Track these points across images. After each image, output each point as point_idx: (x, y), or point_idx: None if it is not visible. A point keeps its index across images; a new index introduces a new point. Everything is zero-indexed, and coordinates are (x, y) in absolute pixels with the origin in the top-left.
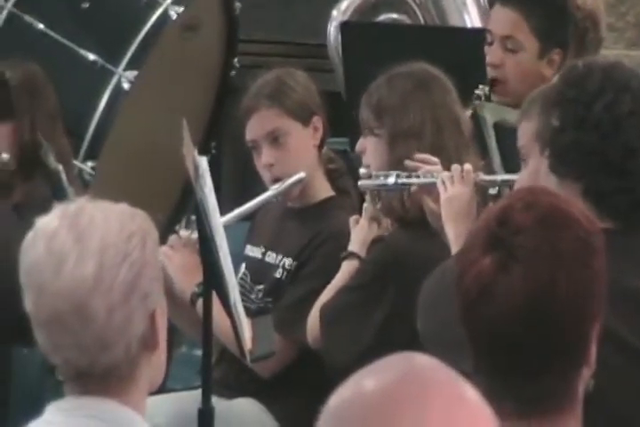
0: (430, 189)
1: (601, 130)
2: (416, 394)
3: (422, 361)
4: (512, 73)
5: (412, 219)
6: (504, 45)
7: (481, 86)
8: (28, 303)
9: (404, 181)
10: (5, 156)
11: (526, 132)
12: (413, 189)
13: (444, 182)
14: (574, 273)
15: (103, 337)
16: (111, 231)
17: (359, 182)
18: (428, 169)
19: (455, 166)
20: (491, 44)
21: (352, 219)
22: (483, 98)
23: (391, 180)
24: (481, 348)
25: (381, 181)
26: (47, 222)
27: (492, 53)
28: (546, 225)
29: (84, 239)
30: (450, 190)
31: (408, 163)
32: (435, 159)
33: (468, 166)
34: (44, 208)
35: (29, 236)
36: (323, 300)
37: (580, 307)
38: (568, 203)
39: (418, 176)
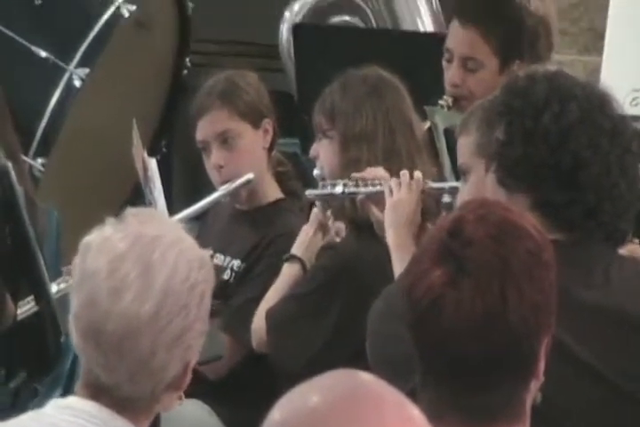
0: (377, 198)
1: (550, 142)
2: (371, 413)
3: (367, 379)
4: (474, 91)
5: (363, 222)
6: (464, 65)
7: (445, 97)
8: (74, 306)
9: (352, 190)
10: None
11: (466, 148)
12: (360, 197)
13: (391, 189)
14: (524, 287)
15: (135, 374)
16: (177, 277)
17: (306, 192)
18: (375, 176)
19: (403, 172)
20: (449, 61)
21: (303, 227)
22: (445, 109)
23: (339, 189)
24: (429, 360)
25: (328, 190)
26: (117, 240)
27: (452, 73)
28: (497, 238)
29: (149, 276)
30: (395, 196)
31: (354, 175)
32: (382, 171)
33: (417, 174)
34: None
35: (94, 240)
36: (266, 305)
37: (530, 321)
38: (520, 216)
39: (366, 185)
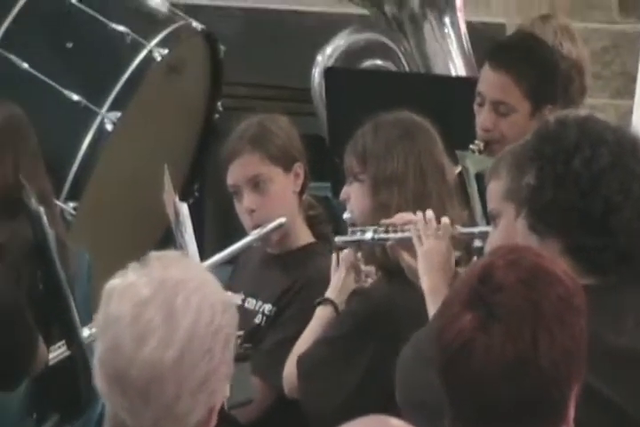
0: (407, 244)
1: (581, 186)
2: None
3: (398, 425)
4: (506, 135)
5: (394, 267)
6: (496, 109)
7: (476, 142)
8: (98, 351)
9: (381, 236)
10: None
11: (496, 192)
12: (389, 243)
13: (419, 237)
14: (555, 333)
15: (160, 419)
16: (201, 321)
17: (335, 238)
18: (405, 221)
19: (430, 218)
20: (481, 104)
21: (333, 268)
22: (477, 153)
23: (368, 235)
24: (458, 405)
25: (358, 236)
26: (141, 285)
27: (484, 117)
28: (528, 284)
29: (173, 321)
30: (426, 244)
31: (384, 221)
32: (412, 215)
33: (445, 220)
34: (24, 249)
35: (117, 285)
36: (299, 349)
37: (561, 366)
38: (551, 262)
39: (395, 231)
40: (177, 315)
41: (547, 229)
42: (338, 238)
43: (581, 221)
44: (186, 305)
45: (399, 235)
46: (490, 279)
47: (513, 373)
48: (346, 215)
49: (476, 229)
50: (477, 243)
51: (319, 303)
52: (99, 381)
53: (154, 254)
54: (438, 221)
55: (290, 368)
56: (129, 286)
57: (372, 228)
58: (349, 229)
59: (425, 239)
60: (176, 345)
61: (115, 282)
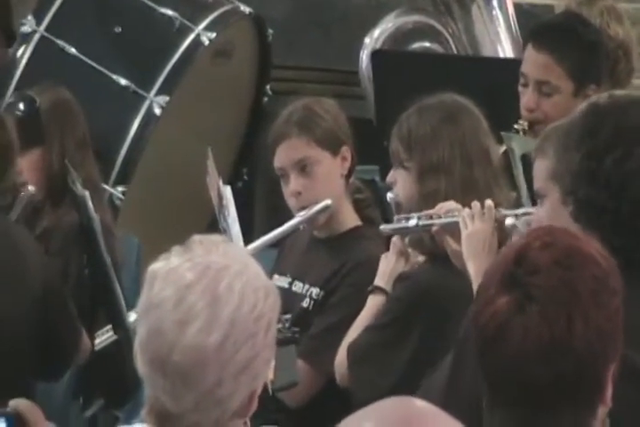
0: (451, 229)
1: (610, 186)
2: None
3: (423, 406)
4: (549, 115)
5: (442, 253)
6: (539, 89)
7: (521, 121)
8: (140, 334)
9: (426, 222)
10: (31, 188)
11: (542, 171)
12: (435, 229)
13: (465, 220)
14: (591, 314)
15: (201, 402)
16: (244, 307)
17: (380, 227)
18: (448, 208)
19: (475, 203)
20: (525, 85)
21: (383, 255)
22: (521, 133)
23: (412, 222)
24: (496, 384)
25: (403, 224)
26: (185, 270)
27: (527, 97)
28: (563, 265)
29: (216, 306)
30: (470, 228)
31: (427, 212)
32: (454, 204)
33: (488, 202)
34: (70, 234)
35: (160, 269)
36: (350, 338)
37: (597, 347)
38: (586, 242)
39: (439, 217)
40: (220, 300)
41: (586, 224)
42: (383, 227)
43: (611, 220)
44: (229, 290)
45: (444, 220)
46: (525, 261)
47: (549, 354)
48: (390, 196)
49: (519, 211)
50: (509, 221)
51: (370, 292)
52: (140, 364)
53: (196, 238)
54: (482, 205)
55: (341, 357)
56: (172, 270)
57: (416, 215)
58: (395, 217)
59: (469, 223)
60: (219, 330)
61: (157, 266)
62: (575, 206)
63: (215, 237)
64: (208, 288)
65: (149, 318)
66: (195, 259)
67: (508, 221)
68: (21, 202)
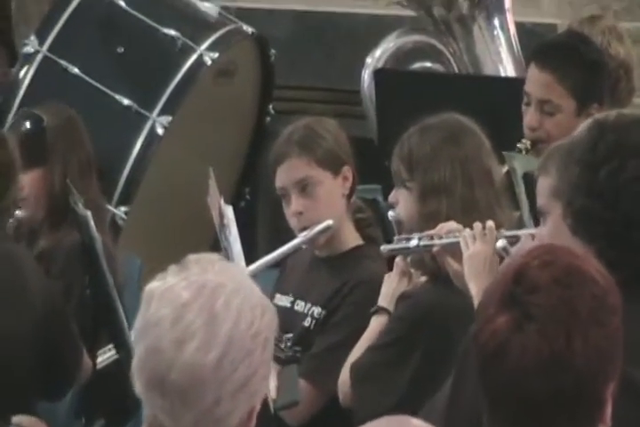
0: (452, 250)
1: (605, 198)
2: None
3: (418, 426)
4: (552, 134)
5: (443, 273)
6: (541, 108)
7: (523, 140)
8: (137, 354)
9: (427, 243)
10: (19, 213)
11: (544, 189)
12: (435, 249)
13: (466, 241)
14: (590, 332)
15: (200, 421)
16: (241, 324)
17: (381, 247)
18: (448, 229)
19: (476, 224)
20: (527, 104)
21: (386, 275)
22: (524, 152)
23: (413, 242)
24: (496, 401)
25: (403, 244)
26: (181, 289)
27: (530, 116)
28: (562, 284)
29: (214, 325)
30: (471, 248)
31: (428, 233)
32: (455, 224)
33: (490, 223)
34: (72, 255)
35: (157, 288)
36: (353, 357)
37: (596, 366)
38: (585, 261)
39: (440, 237)
40: (218, 318)
41: (583, 235)
42: (384, 247)
43: (606, 233)
44: (226, 308)
45: (445, 240)
46: (524, 279)
47: (547, 372)
48: (391, 214)
49: (520, 232)
50: (500, 244)
51: (374, 313)
52: (138, 384)
53: (192, 257)
54: (484, 226)
55: (344, 377)
56: (168, 289)
57: (417, 235)
58: (395, 238)
59: (471, 243)
60: (217, 348)
61: (154, 285)
62: (572, 218)
63: (211, 256)
64: (205, 306)
65: (147, 338)
66: (190, 277)
67: (500, 244)
68: (9, 227)
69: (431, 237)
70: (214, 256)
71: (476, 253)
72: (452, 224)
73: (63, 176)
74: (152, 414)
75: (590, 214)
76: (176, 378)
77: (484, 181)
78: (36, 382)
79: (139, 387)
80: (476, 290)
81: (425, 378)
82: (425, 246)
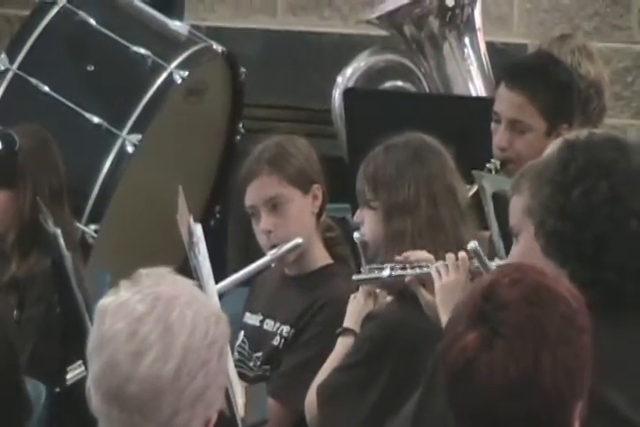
0: (424, 279)
1: (576, 219)
2: None
3: None
4: (521, 154)
5: (409, 293)
6: (512, 128)
7: (493, 160)
8: (93, 370)
9: (399, 273)
10: None
11: (517, 208)
12: (407, 279)
13: (438, 272)
14: (558, 351)
15: None
16: (196, 334)
17: (353, 277)
18: (418, 257)
19: (449, 255)
20: (498, 121)
21: (352, 296)
22: (493, 172)
23: (386, 272)
24: (463, 420)
25: (376, 274)
26: (135, 302)
27: (500, 136)
28: (531, 302)
29: (169, 335)
30: (444, 279)
31: (398, 258)
32: (426, 254)
33: (462, 254)
34: (47, 281)
35: (110, 304)
36: (319, 379)
37: (564, 385)
38: (555, 280)
39: (412, 267)
40: (173, 329)
41: (555, 256)
42: (355, 277)
43: (577, 253)
44: (181, 319)
45: (417, 271)
46: (494, 297)
47: (515, 391)
48: (356, 235)
49: (494, 263)
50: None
51: (339, 334)
52: (95, 401)
53: (143, 271)
54: (456, 257)
55: (310, 398)
56: (123, 304)
57: (390, 265)
58: (366, 267)
59: (444, 274)
60: (173, 360)
61: (106, 300)
62: (544, 239)
63: (161, 270)
64: (160, 319)
65: (103, 353)
66: (144, 290)
67: (425, 270)
68: None
69: (403, 267)
70: (164, 270)
71: (449, 283)
72: (422, 254)
73: (33, 200)
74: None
75: (561, 236)
76: (134, 390)
77: (448, 199)
78: None
79: (95, 403)
80: (446, 319)
81: (392, 398)
82: (397, 276)
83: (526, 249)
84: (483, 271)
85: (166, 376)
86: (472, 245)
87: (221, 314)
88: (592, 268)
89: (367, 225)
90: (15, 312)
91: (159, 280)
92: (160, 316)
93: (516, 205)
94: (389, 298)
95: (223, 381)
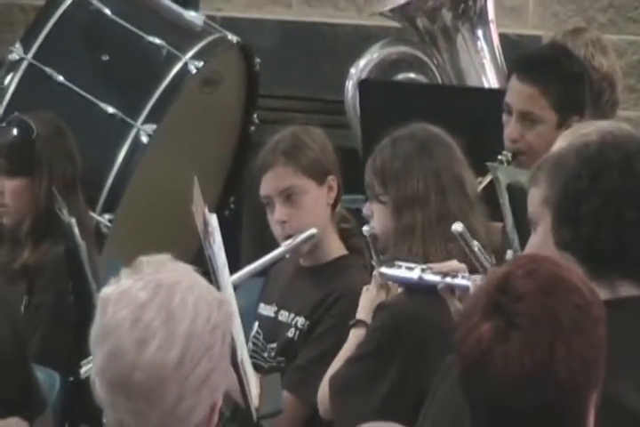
0: (455, 288)
1: (589, 212)
2: None
3: None
4: (532, 145)
5: (421, 286)
6: (523, 120)
7: (504, 152)
8: (97, 359)
9: (431, 278)
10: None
11: (535, 198)
12: (440, 286)
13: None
14: (573, 342)
15: (164, 420)
16: (199, 320)
17: (381, 269)
18: (451, 268)
19: (491, 270)
20: (509, 113)
21: (364, 287)
22: (505, 164)
23: (415, 273)
24: (478, 412)
25: (405, 273)
26: (137, 290)
27: (511, 128)
28: (546, 293)
29: (172, 322)
30: None
31: (431, 265)
32: (458, 264)
33: None
34: (58, 268)
35: (112, 292)
36: (332, 370)
37: (579, 375)
38: (569, 271)
39: (447, 275)
40: (175, 316)
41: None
42: (384, 270)
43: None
44: (183, 305)
45: (455, 281)
46: (509, 289)
47: (530, 381)
48: (366, 228)
49: (476, 243)
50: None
51: (352, 325)
52: (100, 390)
53: (143, 259)
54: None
55: (323, 390)
56: (125, 292)
57: (420, 266)
58: (395, 263)
59: None
60: (177, 346)
61: (108, 290)
62: (554, 232)
63: (161, 257)
64: (162, 305)
65: (107, 342)
66: (145, 278)
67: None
68: None
69: (440, 273)
70: (164, 257)
71: None
72: (455, 264)
73: (49, 189)
74: (116, 418)
75: (562, 229)
76: (140, 378)
77: (457, 190)
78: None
79: (101, 392)
80: None
81: (403, 388)
82: (428, 281)
83: (545, 238)
84: (468, 254)
85: (171, 363)
86: (457, 227)
87: (223, 298)
88: (589, 261)
89: (376, 219)
90: (25, 298)
91: (160, 267)
92: (162, 302)
93: (534, 196)
94: (400, 289)
95: (226, 365)
